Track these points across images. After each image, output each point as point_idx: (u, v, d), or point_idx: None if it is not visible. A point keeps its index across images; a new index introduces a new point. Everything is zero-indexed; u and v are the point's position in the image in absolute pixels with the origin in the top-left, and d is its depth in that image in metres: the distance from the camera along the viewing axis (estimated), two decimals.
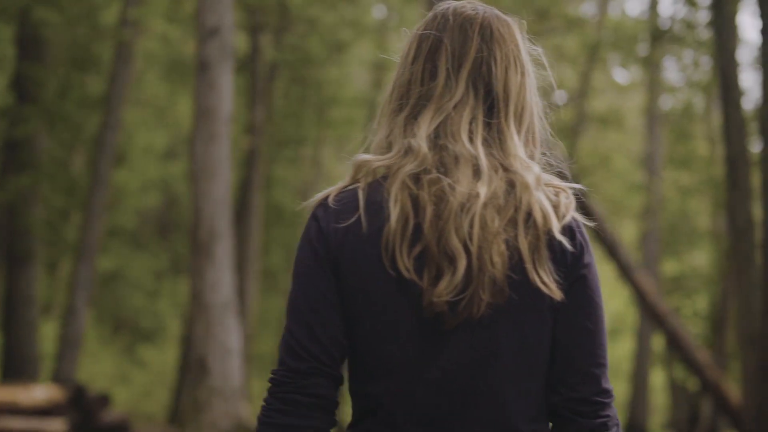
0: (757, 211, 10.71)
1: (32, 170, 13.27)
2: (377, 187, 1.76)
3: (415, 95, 1.79)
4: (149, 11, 13.26)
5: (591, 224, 1.78)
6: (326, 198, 1.79)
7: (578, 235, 1.76)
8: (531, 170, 1.74)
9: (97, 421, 11.03)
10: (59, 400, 10.72)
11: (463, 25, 1.80)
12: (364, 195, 1.75)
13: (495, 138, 1.76)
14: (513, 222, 1.70)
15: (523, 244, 1.70)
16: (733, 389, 12.99)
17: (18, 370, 12.97)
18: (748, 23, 36.88)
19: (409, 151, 1.75)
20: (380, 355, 1.75)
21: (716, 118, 17.49)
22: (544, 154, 1.84)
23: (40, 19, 12.89)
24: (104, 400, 11.34)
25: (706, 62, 17.34)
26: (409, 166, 1.73)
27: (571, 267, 1.74)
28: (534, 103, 1.82)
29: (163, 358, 21.38)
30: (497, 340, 1.72)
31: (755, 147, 12.82)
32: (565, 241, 1.72)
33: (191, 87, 9.92)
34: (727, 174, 11.14)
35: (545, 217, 1.71)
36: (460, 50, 1.78)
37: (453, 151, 1.73)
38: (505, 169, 1.73)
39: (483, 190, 1.69)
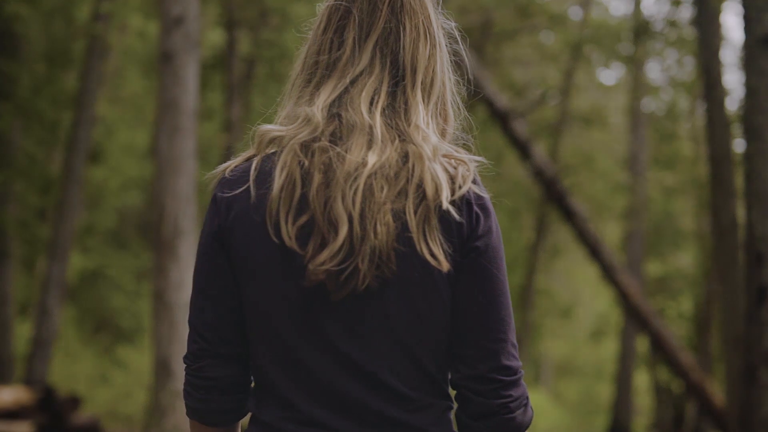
0: (740, 212, 10.55)
1: (6, 168, 13.08)
2: (271, 157, 1.73)
3: (322, 66, 1.77)
4: (122, 5, 13.07)
5: (487, 195, 1.72)
6: (225, 170, 1.77)
7: (475, 207, 1.69)
8: (429, 140, 1.69)
9: (67, 424, 10.73)
10: (27, 402, 10.45)
11: None
12: (257, 165, 1.72)
13: (400, 109, 1.72)
14: (404, 193, 1.65)
15: (411, 216, 1.64)
16: (717, 391, 12.95)
17: None
18: (731, 22, 36.86)
19: (306, 120, 1.72)
20: (266, 325, 1.72)
21: (700, 118, 17.40)
22: (455, 127, 1.81)
23: (14, 13, 12.68)
24: (74, 401, 11.04)
25: (689, 62, 17.26)
26: (301, 135, 1.70)
27: (466, 239, 1.68)
28: (446, 76, 1.79)
29: (143, 359, 21.18)
30: (387, 312, 1.67)
31: (739, 147, 12.70)
32: (456, 213, 1.66)
33: None
34: (711, 174, 11.02)
35: (437, 189, 1.65)
36: (368, 21, 1.76)
37: (347, 120, 1.69)
38: (402, 140, 1.69)
39: (372, 159, 1.65)
